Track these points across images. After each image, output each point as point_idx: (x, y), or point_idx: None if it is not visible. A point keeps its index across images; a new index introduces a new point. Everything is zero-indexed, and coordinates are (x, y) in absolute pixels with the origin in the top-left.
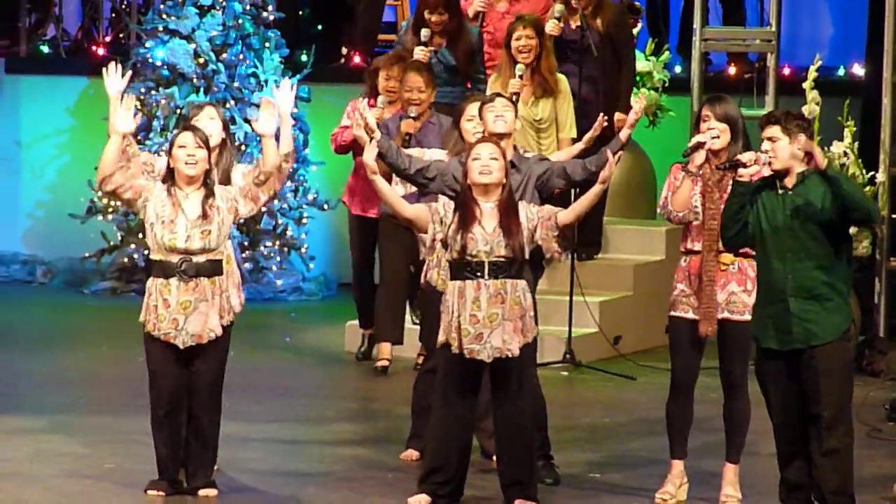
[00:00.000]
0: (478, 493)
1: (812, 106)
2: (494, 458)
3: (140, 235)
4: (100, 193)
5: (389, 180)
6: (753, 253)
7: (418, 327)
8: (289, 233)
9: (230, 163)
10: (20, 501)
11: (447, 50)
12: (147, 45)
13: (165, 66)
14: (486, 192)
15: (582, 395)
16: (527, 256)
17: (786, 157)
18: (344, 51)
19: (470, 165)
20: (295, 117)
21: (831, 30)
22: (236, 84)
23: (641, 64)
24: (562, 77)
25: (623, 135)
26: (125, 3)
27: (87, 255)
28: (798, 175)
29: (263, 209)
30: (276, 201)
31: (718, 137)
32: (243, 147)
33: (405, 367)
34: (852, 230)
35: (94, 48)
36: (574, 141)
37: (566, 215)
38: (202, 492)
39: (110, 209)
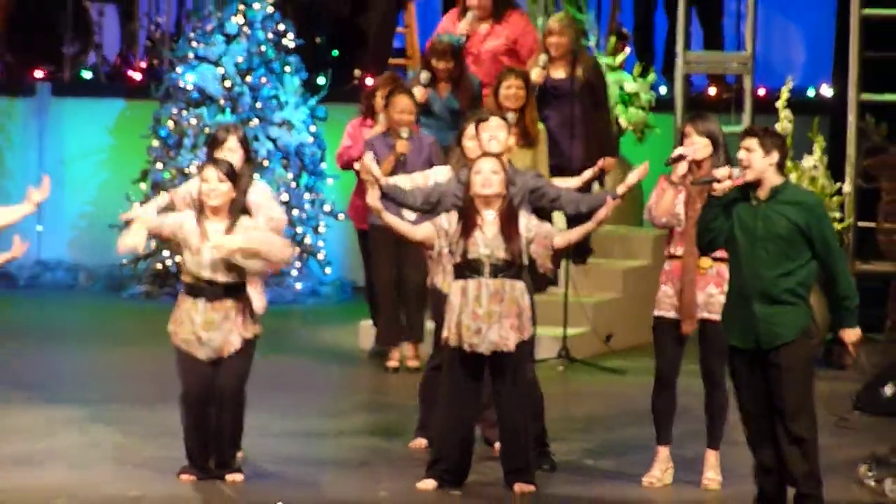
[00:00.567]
0: (481, 479)
1: (785, 123)
2: (496, 446)
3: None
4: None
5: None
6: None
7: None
8: (307, 240)
9: (248, 183)
10: (66, 485)
11: (452, 95)
12: (178, 69)
13: (195, 89)
14: (487, 203)
15: (576, 389)
16: (525, 262)
17: (759, 168)
18: (357, 73)
19: (473, 179)
20: (313, 134)
21: (802, 54)
22: (259, 105)
23: (630, 85)
24: (541, 127)
25: (620, 190)
26: (159, 32)
27: (124, 262)
28: (771, 189)
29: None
30: (295, 211)
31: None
32: (265, 162)
33: (412, 365)
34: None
35: (130, 73)
36: None
37: (560, 240)
38: (229, 476)
39: None
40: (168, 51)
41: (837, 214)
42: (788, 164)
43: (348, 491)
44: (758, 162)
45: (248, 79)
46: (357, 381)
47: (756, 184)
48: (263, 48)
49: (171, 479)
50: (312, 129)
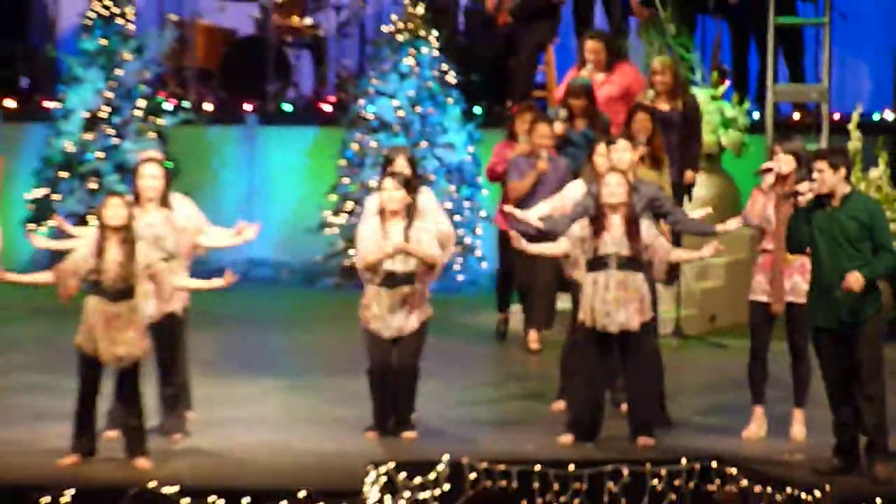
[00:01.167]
0: (611, 434)
1: (855, 142)
2: (623, 407)
3: None
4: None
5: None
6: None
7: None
8: (467, 240)
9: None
10: (271, 443)
11: (587, 128)
12: (361, 102)
13: (375, 118)
14: (614, 210)
15: (687, 360)
16: (645, 258)
17: (831, 184)
18: (508, 104)
19: (602, 191)
20: (470, 154)
21: (869, 84)
22: (427, 130)
23: (729, 111)
24: (665, 155)
25: (719, 228)
26: (345, 71)
27: (318, 258)
28: (842, 197)
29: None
30: (456, 217)
31: (782, 166)
32: (432, 177)
33: (554, 342)
34: None
35: (322, 105)
36: None
37: (675, 256)
38: (405, 434)
39: (334, 225)
40: (353, 87)
41: None
42: (858, 174)
43: (502, 445)
44: (829, 179)
45: (418, 109)
46: (508, 356)
47: (829, 194)
48: (430, 84)
49: (357, 436)
50: (470, 149)
